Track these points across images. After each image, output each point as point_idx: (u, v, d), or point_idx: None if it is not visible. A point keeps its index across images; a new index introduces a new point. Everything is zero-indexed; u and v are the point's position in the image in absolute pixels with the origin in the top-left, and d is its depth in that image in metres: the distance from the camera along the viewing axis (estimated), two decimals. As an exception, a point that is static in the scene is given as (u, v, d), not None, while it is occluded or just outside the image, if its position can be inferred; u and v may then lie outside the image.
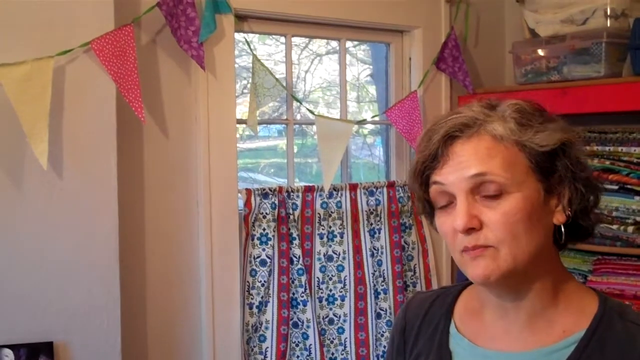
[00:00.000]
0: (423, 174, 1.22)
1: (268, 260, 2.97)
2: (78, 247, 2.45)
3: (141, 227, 2.73)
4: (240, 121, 2.97)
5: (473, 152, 1.16)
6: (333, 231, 3.14)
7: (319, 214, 3.11)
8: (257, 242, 2.97)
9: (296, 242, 3.03)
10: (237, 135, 2.96)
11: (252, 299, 2.96)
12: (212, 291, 2.85)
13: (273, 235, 2.98)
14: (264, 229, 2.97)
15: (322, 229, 3.12)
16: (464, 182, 1.15)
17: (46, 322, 2.40)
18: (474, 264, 1.15)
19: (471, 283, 1.30)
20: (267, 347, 2.99)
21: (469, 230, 1.13)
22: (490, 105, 1.22)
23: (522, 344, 1.20)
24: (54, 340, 2.39)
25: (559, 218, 1.20)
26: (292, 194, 3.05)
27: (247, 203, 2.95)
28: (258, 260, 2.97)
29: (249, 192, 2.95)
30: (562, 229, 1.21)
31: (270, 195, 2.98)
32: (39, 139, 2.28)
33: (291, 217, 3.03)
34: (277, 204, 2.99)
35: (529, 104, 1.23)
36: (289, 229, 3.02)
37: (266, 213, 2.97)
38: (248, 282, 2.96)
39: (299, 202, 3.06)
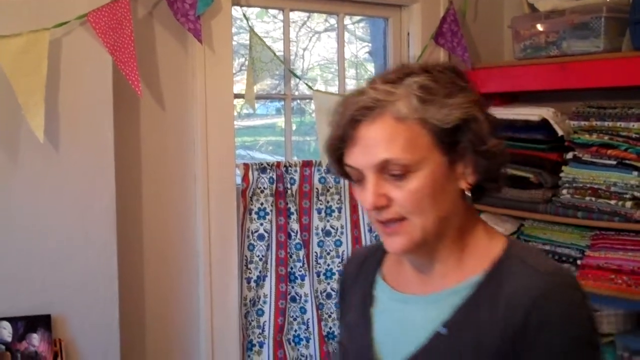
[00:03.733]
0: (336, 152, 1.30)
1: (266, 234, 2.97)
2: (75, 220, 2.45)
3: (138, 202, 2.73)
4: (238, 96, 2.96)
5: (376, 136, 1.23)
6: (331, 206, 3.14)
7: (317, 188, 3.11)
8: (254, 216, 2.97)
9: (294, 216, 3.03)
10: (235, 113, 2.95)
11: (250, 273, 2.96)
12: (209, 265, 2.85)
13: (271, 210, 2.98)
14: (261, 204, 2.97)
15: (320, 204, 3.11)
16: (369, 166, 1.24)
17: (44, 295, 2.40)
18: (390, 239, 1.26)
19: None
20: (265, 321, 3.00)
21: (378, 208, 1.23)
22: (398, 78, 1.26)
23: (431, 287, 1.31)
24: (52, 313, 2.39)
25: (464, 184, 1.27)
26: (290, 168, 3.04)
27: (245, 178, 2.95)
28: (256, 234, 2.97)
29: (246, 166, 2.95)
30: (469, 192, 1.29)
31: (268, 170, 2.97)
32: (35, 112, 2.27)
33: (289, 191, 3.03)
34: (275, 179, 2.98)
35: (441, 71, 1.28)
36: (287, 204, 3.02)
37: (264, 188, 2.97)
38: (246, 256, 2.96)
39: (296, 176, 3.05)
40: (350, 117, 1.24)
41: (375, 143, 1.23)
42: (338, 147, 1.29)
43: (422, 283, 1.33)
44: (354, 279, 1.49)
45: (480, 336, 1.22)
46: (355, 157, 1.25)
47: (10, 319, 2.33)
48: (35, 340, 2.34)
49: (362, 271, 1.48)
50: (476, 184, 1.28)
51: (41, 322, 2.36)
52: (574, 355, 1.20)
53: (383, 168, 1.23)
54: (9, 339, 2.32)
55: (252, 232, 2.97)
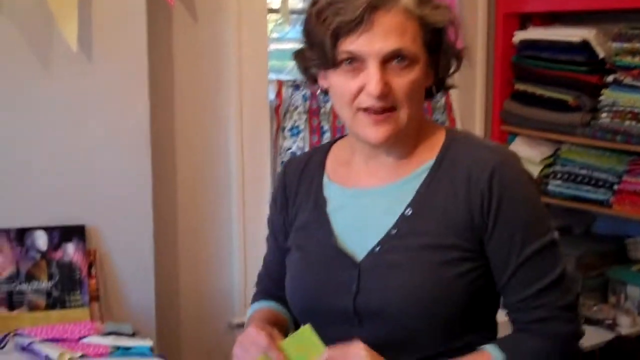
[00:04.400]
0: (337, 32, 1.30)
1: (299, 152, 2.95)
2: (110, 132, 2.44)
3: (171, 115, 2.71)
4: (272, 11, 2.90)
5: (392, 24, 1.29)
6: (364, 125, 3.10)
7: (350, 108, 3.07)
8: (287, 134, 2.94)
9: (327, 135, 3.00)
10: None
11: (282, 187, 2.96)
12: (242, 183, 2.84)
13: (304, 128, 2.95)
14: (294, 121, 2.94)
15: (354, 123, 3.08)
16: (381, 53, 1.28)
17: (78, 206, 2.41)
18: (376, 127, 1.31)
19: (339, 139, 1.54)
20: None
21: (382, 95, 1.27)
22: None
23: (385, 180, 1.39)
24: (86, 224, 2.41)
25: (430, 81, 1.40)
26: (324, 86, 3.00)
27: (278, 94, 2.92)
28: (289, 152, 2.95)
29: (280, 83, 2.91)
30: (433, 88, 1.42)
31: (302, 87, 2.94)
32: (68, 20, 2.24)
33: (323, 109, 3.00)
34: (308, 97, 2.95)
35: None
36: (320, 122, 2.99)
37: (297, 105, 2.94)
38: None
39: (330, 95, 3.01)
40: (368, 3, 1.27)
41: (390, 31, 1.28)
42: (344, 28, 1.29)
43: (373, 177, 1.40)
44: (297, 185, 1.52)
45: (446, 212, 1.32)
46: (365, 43, 1.28)
47: (45, 229, 2.35)
48: (70, 250, 2.36)
49: (304, 177, 1.51)
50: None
51: (76, 233, 2.38)
52: (536, 215, 1.34)
53: (390, 57, 1.29)
54: (44, 248, 2.34)
55: (284, 150, 2.95)
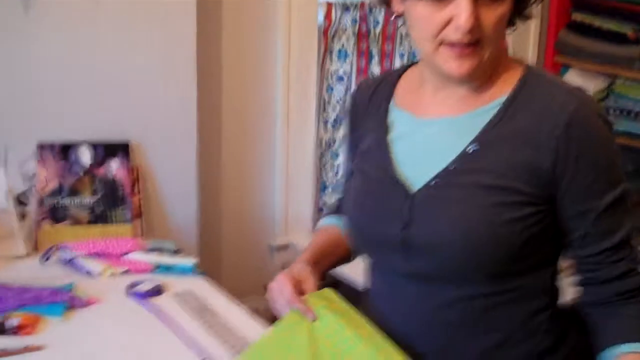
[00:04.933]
0: None
1: (345, 77, 2.90)
2: (157, 52, 2.41)
3: (218, 35, 2.67)
4: None
5: None
6: (414, 52, 3.03)
7: (401, 33, 3.00)
8: (335, 57, 2.89)
9: (375, 59, 2.94)
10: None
11: (327, 115, 2.92)
12: (287, 106, 2.81)
13: (352, 52, 2.89)
14: (343, 45, 2.88)
15: (403, 49, 3.01)
16: None
17: (124, 123, 2.40)
18: (460, 61, 1.23)
19: (411, 66, 1.45)
20: (339, 164, 2.98)
21: (472, 29, 1.19)
22: None
23: (452, 112, 1.31)
24: (130, 140, 2.40)
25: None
26: (374, 9, 2.93)
27: (327, 16, 2.85)
28: (335, 76, 2.90)
29: (329, 5, 2.84)
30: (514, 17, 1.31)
31: (352, 10, 2.86)
32: None
33: (372, 33, 2.93)
34: (358, 19, 2.88)
35: None
36: (369, 46, 2.93)
37: (346, 28, 2.87)
38: (324, 98, 2.91)
39: (380, 18, 2.94)
40: None
41: None
42: None
43: (443, 107, 1.33)
44: (366, 108, 1.46)
45: (512, 152, 1.24)
46: None
47: (89, 144, 2.34)
48: (114, 166, 2.36)
49: (373, 99, 1.45)
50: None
51: (120, 149, 2.37)
52: (615, 161, 1.26)
53: None
54: (88, 164, 2.34)
55: (331, 74, 2.90)
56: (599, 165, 1.24)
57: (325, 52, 2.87)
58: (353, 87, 2.93)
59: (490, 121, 1.27)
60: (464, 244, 1.23)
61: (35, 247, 2.25)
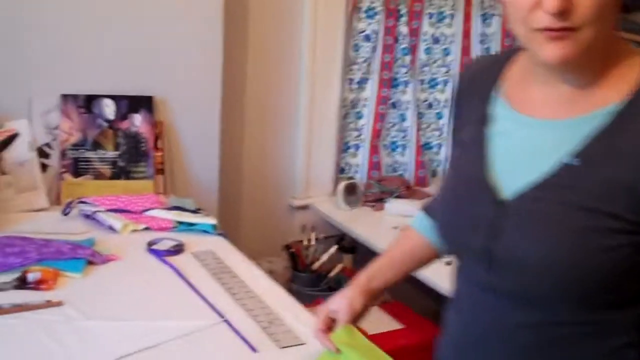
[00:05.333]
0: None
1: (373, 35, 2.85)
2: (183, 4, 2.39)
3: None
4: None
5: None
6: (443, 12, 2.97)
7: (430, -8, 2.95)
8: (363, 15, 2.84)
9: (404, 19, 2.89)
10: None
11: (352, 74, 2.88)
12: (312, 64, 2.78)
13: (380, 10, 2.84)
14: (371, 2, 2.82)
15: (432, 9, 2.95)
16: None
17: (148, 77, 2.38)
18: (552, 45, 1.07)
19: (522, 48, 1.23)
20: (363, 125, 2.95)
21: (561, 12, 1.04)
22: None
23: (557, 113, 1.15)
24: (154, 95, 2.38)
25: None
26: (404, -33, 2.87)
27: (356, -27, 2.79)
28: (362, 35, 2.85)
29: (358, -39, 2.79)
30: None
31: (381, -34, 2.81)
32: None
33: (401, -9, 2.88)
34: (387, -24, 2.82)
35: None
36: (398, 5, 2.87)
37: (375, -15, 2.82)
38: (350, 57, 2.86)
39: (410, -23, 2.88)
40: None
41: None
42: None
43: (549, 107, 1.16)
44: (470, 93, 1.31)
45: (618, 171, 1.07)
46: None
47: (113, 97, 2.32)
48: (137, 121, 2.34)
49: (478, 84, 1.29)
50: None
51: (143, 103, 2.35)
52: None
53: None
54: (112, 117, 2.33)
55: (358, 32, 2.85)
56: None
57: (353, 10, 2.82)
58: (380, 46, 2.89)
59: (600, 132, 1.10)
60: (551, 267, 1.11)
61: (56, 200, 2.26)
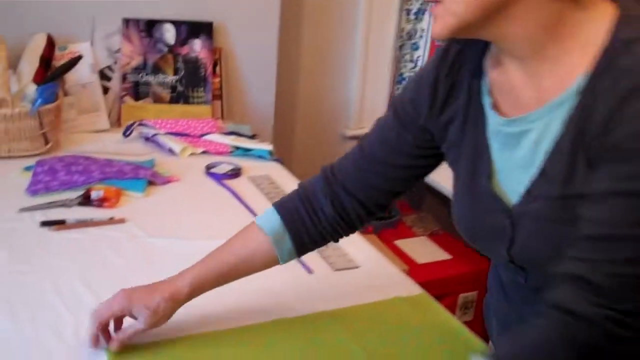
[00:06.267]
0: None
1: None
2: None
3: None
4: None
5: None
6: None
7: None
8: (423, -55, 2.80)
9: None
10: None
11: (410, 5, 2.86)
12: (369, -4, 2.77)
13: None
14: None
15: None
16: None
17: (207, 2, 2.39)
18: (434, 20, 0.97)
19: None
20: (419, 56, 2.94)
21: None
22: None
23: (526, 105, 1.01)
24: (214, 21, 2.39)
25: None
26: None
27: None
28: (421, -35, 2.82)
29: None
30: None
31: None
32: None
33: None
34: None
35: None
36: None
37: None
38: (408, -13, 2.84)
39: None
40: None
41: None
42: None
43: (519, 99, 1.03)
44: (454, 81, 1.13)
45: (581, 157, 0.95)
46: None
47: (174, 22, 2.35)
48: (197, 46, 2.37)
49: (462, 72, 1.12)
50: None
51: (204, 29, 2.37)
52: None
53: None
54: (172, 42, 2.35)
55: (417, -38, 2.82)
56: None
57: (413, -60, 2.79)
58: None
59: (571, 116, 0.95)
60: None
61: (117, 122, 2.31)
